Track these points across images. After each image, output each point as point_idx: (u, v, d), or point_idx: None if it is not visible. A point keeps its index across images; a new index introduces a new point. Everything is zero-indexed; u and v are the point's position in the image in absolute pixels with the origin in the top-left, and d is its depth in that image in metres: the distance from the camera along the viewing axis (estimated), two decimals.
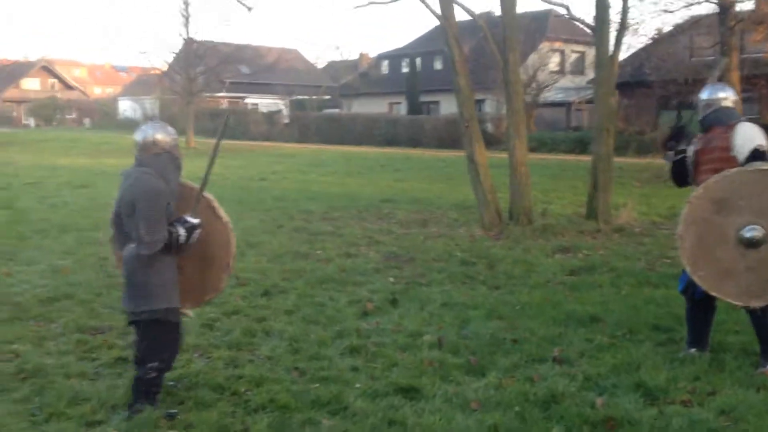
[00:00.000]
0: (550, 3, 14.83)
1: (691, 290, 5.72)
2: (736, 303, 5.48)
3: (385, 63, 53.88)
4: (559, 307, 7.18)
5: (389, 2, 14.91)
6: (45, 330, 6.53)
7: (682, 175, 5.96)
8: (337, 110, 52.62)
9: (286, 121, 50.48)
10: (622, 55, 20.15)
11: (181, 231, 4.75)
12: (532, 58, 37.56)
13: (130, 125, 61.69)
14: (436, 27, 45.77)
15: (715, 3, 22.54)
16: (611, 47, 12.33)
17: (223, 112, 47.39)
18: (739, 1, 23.24)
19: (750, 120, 5.94)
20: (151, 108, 61.02)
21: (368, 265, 9.38)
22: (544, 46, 41.20)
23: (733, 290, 5.37)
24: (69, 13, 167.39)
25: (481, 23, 13.00)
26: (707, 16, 25.43)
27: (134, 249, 4.72)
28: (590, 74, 36.41)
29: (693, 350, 5.77)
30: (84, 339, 6.25)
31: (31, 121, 73.89)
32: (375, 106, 49.39)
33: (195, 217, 4.86)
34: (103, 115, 70.76)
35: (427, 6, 12.60)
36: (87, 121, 73.40)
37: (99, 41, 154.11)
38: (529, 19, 38.10)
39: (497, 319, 6.87)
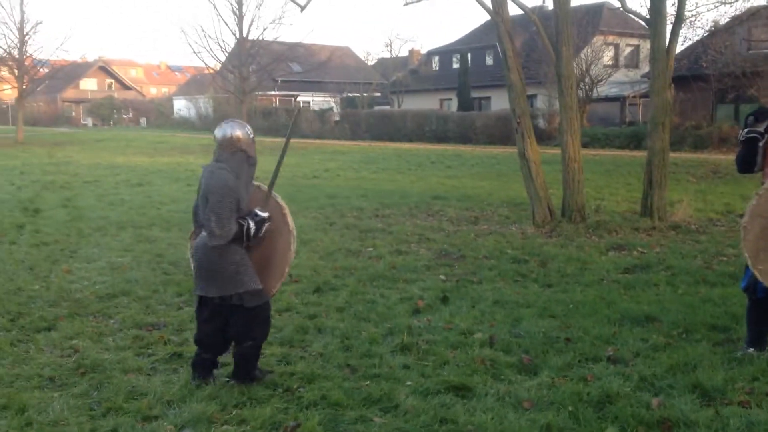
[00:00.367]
0: None
1: (752, 287, 5.58)
2: None
3: (436, 59, 53.72)
4: (614, 306, 7.09)
5: None
6: (103, 326, 6.69)
7: (748, 158, 5.63)
8: (387, 107, 52.68)
9: (338, 118, 50.73)
10: (678, 48, 19.74)
11: (252, 224, 5.04)
12: (586, 52, 37.03)
13: (185, 124, 62.88)
14: (487, 22, 45.65)
15: None
16: (667, 40, 12.10)
17: (291, 109, 47.88)
18: None
19: None
20: (205, 107, 61.97)
21: (419, 262, 9.38)
22: (598, 39, 40.57)
23: None
24: (125, 14, 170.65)
25: (534, 17, 12.86)
26: (765, 7, 24.79)
27: (205, 239, 5.02)
28: (645, 68, 35.80)
29: (751, 350, 5.63)
30: (141, 335, 6.39)
31: (89, 121, 75.65)
32: (425, 103, 49.30)
33: (264, 211, 5.15)
34: (158, 114, 72.05)
35: (479, 1, 12.53)
36: (143, 120, 74.85)
37: (154, 41, 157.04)
38: (583, 13, 37.67)
39: (550, 318, 6.81)
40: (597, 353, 5.78)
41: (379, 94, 56.45)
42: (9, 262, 9.31)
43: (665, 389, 5.03)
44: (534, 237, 11.10)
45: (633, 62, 43.48)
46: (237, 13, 38.72)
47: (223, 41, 40.07)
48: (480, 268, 8.99)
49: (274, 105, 57.92)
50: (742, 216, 5.51)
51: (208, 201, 4.95)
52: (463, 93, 45.32)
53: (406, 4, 15.46)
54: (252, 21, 39.10)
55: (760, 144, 5.57)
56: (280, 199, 5.36)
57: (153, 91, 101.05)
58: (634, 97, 38.15)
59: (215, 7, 70.49)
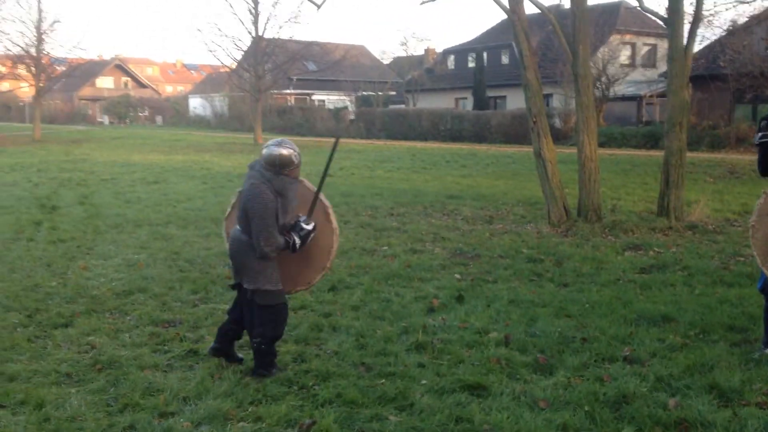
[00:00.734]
0: None
1: None
2: None
3: (451, 58, 53.62)
4: (630, 306, 7.06)
5: None
6: (120, 322, 6.73)
7: (764, 162, 5.67)
8: (402, 106, 52.66)
9: (352, 117, 50.75)
10: (696, 48, 19.60)
11: (297, 239, 5.34)
12: (602, 51, 36.86)
13: (201, 122, 63.13)
14: (504, 21, 45.51)
15: None
16: (685, 39, 12.02)
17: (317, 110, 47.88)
18: None
19: None
20: (221, 105, 62.20)
21: (434, 261, 9.37)
22: (615, 38, 40.36)
23: None
24: (142, 13, 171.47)
25: (551, 16, 12.80)
26: None
27: (242, 234, 5.34)
28: (662, 67, 35.60)
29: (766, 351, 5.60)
30: (157, 332, 6.42)
31: (105, 119, 76.05)
32: (441, 102, 49.25)
33: (309, 224, 5.43)
34: (174, 112, 72.35)
35: (496, 0, 12.49)
36: (159, 118, 75.19)
37: (169, 40, 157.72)
38: (600, 12, 37.46)
39: (565, 318, 6.78)
40: (613, 353, 5.75)
41: (394, 92, 56.42)
42: (27, 259, 9.38)
43: (682, 390, 5.01)
44: (549, 236, 11.06)
45: (650, 61, 43.22)
46: (253, 11, 38.81)
47: (239, 40, 40.22)
48: (495, 267, 8.97)
49: (289, 103, 58.03)
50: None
51: (251, 221, 5.22)
52: (479, 92, 45.23)
53: (423, 2, 15.41)
54: (268, 19, 39.17)
55: None
56: (324, 198, 5.60)
57: (169, 90, 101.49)
58: (650, 96, 37.93)
59: (231, 6, 70.80)
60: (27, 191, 16.79)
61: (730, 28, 29.91)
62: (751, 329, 6.17)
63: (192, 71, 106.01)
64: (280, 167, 5.24)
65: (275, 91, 51.11)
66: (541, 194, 12.51)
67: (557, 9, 24.99)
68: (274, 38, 39.81)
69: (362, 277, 8.48)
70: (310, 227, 5.42)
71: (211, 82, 70.76)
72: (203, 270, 8.83)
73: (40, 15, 41.25)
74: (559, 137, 30.65)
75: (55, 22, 41.81)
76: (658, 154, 17.92)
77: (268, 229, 5.18)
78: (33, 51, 41.21)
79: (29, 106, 64.31)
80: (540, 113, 12.06)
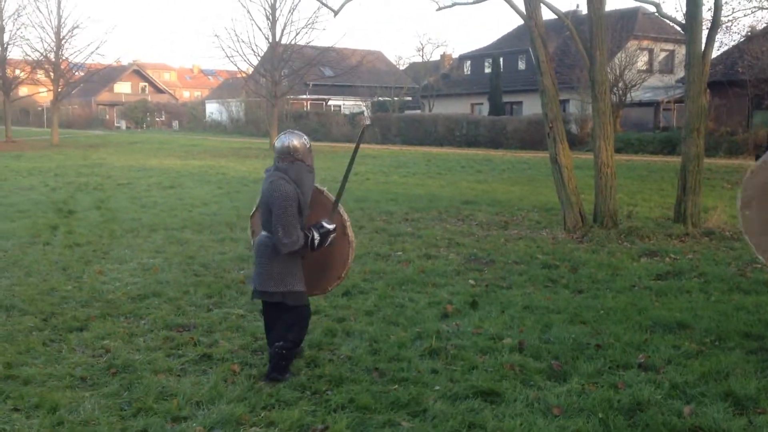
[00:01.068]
0: (640, 0, 14.43)
1: None
2: None
3: (468, 63, 53.64)
4: (645, 313, 7.01)
5: (474, 3, 14.80)
6: (134, 326, 6.75)
7: None
8: (418, 111, 52.67)
9: (368, 122, 50.81)
10: (714, 54, 19.49)
11: (316, 235, 5.42)
12: (620, 57, 36.73)
13: (217, 127, 63.41)
14: (520, 26, 45.50)
15: None
16: (703, 45, 11.95)
17: (332, 115, 48.06)
18: None
19: None
20: (237, 111, 62.45)
21: (448, 266, 9.34)
22: (632, 44, 40.21)
23: None
24: (161, 18, 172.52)
25: (568, 22, 12.76)
26: None
27: (267, 239, 5.39)
28: (680, 73, 35.45)
29: None
30: (171, 336, 6.44)
31: (123, 124, 76.59)
32: (457, 107, 49.25)
33: (330, 223, 5.53)
34: (191, 117, 72.74)
35: (512, 5, 12.46)
36: (175, 123, 75.61)
37: (188, 45, 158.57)
38: (617, 17, 37.36)
39: (580, 324, 6.74)
40: (628, 360, 5.71)
41: (410, 98, 56.46)
42: (43, 263, 9.44)
43: (697, 397, 4.96)
44: (565, 242, 11.01)
45: (667, 67, 43.03)
46: (270, 17, 38.96)
47: (256, 45, 40.42)
48: (510, 273, 8.94)
49: (305, 109, 58.18)
50: None
51: (272, 212, 5.27)
52: (495, 97, 45.18)
53: (439, 9, 15.43)
54: (285, 25, 39.30)
55: None
56: (343, 211, 5.70)
57: (186, 95, 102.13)
58: (668, 102, 37.75)
59: (249, 12, 71.02)
60: (44, 195, 16.91)
61: (749, 33, 29.72)
62: None
63: (209, 76, 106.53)
64: (293, 154, 5.38)
65: (291, 97, 51.25)
66: (556, 200, 12.46)
67: (574, 14, 25.02)
68: (290, 44, 39.94)
69: (376, 282, 8.48)
70: (331, 227, 5.52)
71: (228, 87, 71.15)
72: (218, 274, 8.85)
73: (60, 21, 41.67)
74: (576, 143, 30.55)
75: (74, 27, 42.21)
76: (675, 160, 17.82)
77: (289, 219, 5.23)
78: (52, 56, 41.61)
79: (47, 111, 64.95)
80: (556, 119, 12.02)
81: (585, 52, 12.25)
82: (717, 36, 13.72)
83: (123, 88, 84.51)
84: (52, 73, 42.14)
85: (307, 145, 5.50)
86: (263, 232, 5.52)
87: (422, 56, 63.57)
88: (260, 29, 41.69)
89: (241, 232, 11.68)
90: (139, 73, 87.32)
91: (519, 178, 21.94)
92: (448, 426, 4.60)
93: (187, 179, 21.26)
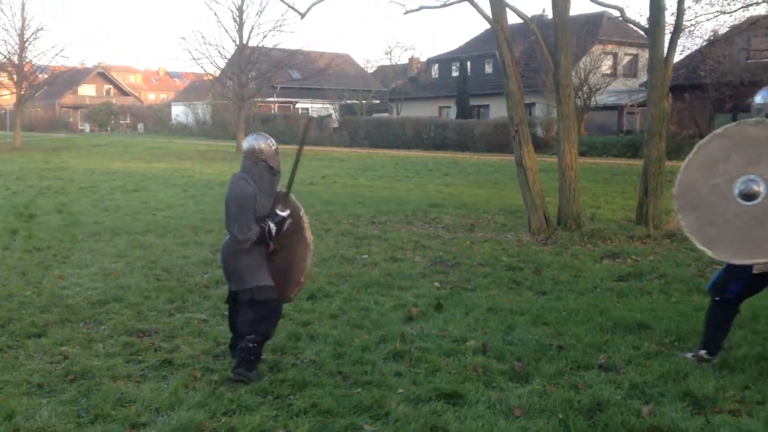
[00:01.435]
0: (604, 5, 14.58)
1: (721, 287, 5.65)
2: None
3: (435, 67, 53.82)
4: (607, 314, 7.07)
5: (441, 6, 14.86)
6: (94, 332, 6.65)
7: None
8: (386, 114, 52.72)
9: (336, 125, 50.76)
10: (677, 58, 19.74)
11: (272, 225, 5.46)
12: (584, 61, 37.10)
13: (183, 130, 62.92)
14: (487, 30, 45.66)
15: None
16: (665, 50, 12.09)
17: (300, 118, 48.15)
18: None
19: None
20: (203, 113, 62.03)
21: (414, 269, 9.35)
22: (597, 48, 40.66)
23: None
24: (126, 20, 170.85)
25: (533, 26, 12.84)
26: (765, 17, 24.85)
27: (228, 241, 5.51)
28: (643, 77, 35.85)
29: (703, 352, 5.68)
30: (131, 341, 6.35)
31: (86, 126, 75.67)
32: (424, 110, 49.37)
33: (284, 210, 5.56)
34: (156, 120, 72.09)
35: (479, 10, 12.52)
36: (141, 126, 74.89)
37: (154, 47, 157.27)
38: (582, 22, 37.68)
39: (543, 325, 6.79)
40: (589, 361, 5.76)
41: (378, 101, 56.53)
42: (1, 268, 9.27)
43: (656, 397, 5.02)
44: (529, 245, 11.08)
45: (631, 71, 43.57)
46: (237, 20, 38.75)
47: (223, 48, 40.15)
48: (475, 276, 8.97)
49: (273, 111, 57.93)
50: None
51: (229, 210, 5.38)
52: (462, 101, 45.41)
53: (407, 12, 15.44)
54: (252, 28, 39.12)
55: None
56: (303, 213, 5.71)
57: (152, 97, 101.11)
58: (631, 105, 38.21)
59: (216, 14, 70.76)
60: (5, 199, 16.62)
61: (711, 38, 30.15)
62: (726, 337, 6.18)
63: (175, 79, 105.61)
64: (258, 155, 5.48)
65: (259, 99, 51.03)
66: (522, 203, 12.54)
67: (540, 19, 25.13)
68: (258, 46, 39.77)
69: (342, 285, 8.45)
70: (285, 214, 5.55)
71: (194, 89, 70.53)
72: (180, 279, 8.76)
73: (24, 23, 41.02)
74: (541, 146, 30.78)
75: (38, 29, 41.54)
76: (638, 163, 17.97)
77: (243, 216, 5.32)
78: (15, 59, 40.94)
79: (10, 114, 63.93)
80: (522, 122, 12.09)
81: (550, 56, 12.35)
82: (680, 40, 13.92)
83: (87, 90, 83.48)
84: (15, 76, 41.45)
85: (273, 147, 5.57)
86: (227, 237, 5.59)
87: (390, 60, 63.80)
88: (227, 32, 41.59)
89: (205, 236, 11.59)
90: (103, 75, 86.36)
91: (485, 181, 22.05)
92: (410, 429, 4.60)
93: (152, 182, 21.04)
